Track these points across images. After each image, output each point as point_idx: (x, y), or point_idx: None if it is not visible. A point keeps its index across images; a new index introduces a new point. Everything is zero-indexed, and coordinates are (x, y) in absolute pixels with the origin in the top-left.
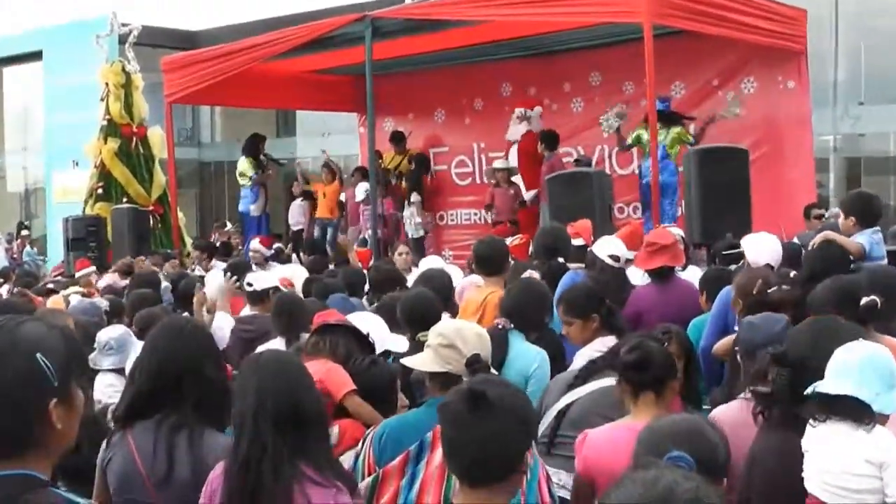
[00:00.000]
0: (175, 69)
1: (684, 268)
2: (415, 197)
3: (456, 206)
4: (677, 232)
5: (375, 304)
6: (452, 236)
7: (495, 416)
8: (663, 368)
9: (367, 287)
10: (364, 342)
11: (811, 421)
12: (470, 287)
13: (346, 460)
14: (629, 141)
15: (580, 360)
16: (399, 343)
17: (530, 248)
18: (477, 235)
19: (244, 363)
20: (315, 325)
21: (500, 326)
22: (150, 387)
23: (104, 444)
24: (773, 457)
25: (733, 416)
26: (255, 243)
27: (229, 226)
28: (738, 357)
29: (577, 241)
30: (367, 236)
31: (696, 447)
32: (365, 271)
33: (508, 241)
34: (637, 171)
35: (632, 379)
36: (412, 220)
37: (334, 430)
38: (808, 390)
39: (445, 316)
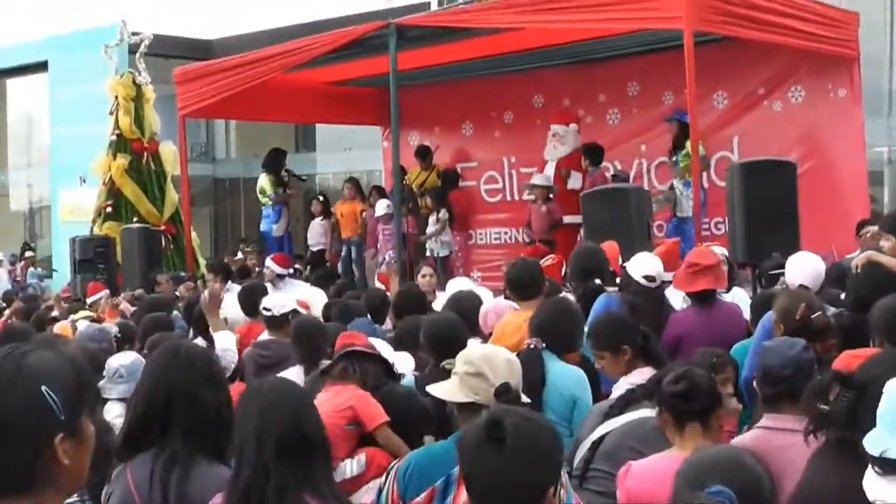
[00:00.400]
0: (188, 81)
1: (728, 289)
2: (443, 214)
3: (485, 224)
4: (720, 251)
5: (396, 327)
6: (482, 256)
7: (512, 448)
8: (710, 398)
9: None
10: (390, 371)
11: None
12: (505, 309)
13: (369, 492)
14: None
15: (617, 391)
16: (404, 362)
17: (564, 270)
18: (507, 255)
19: (245, 389)
20: (339, 347)
21: (531, 346)
22: (144, 415)
23: (109, 479)
24: (830, 490)
25: (748, 445)
26: (269, 261)
27: (243, 247)
28: (755, 383)
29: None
30: (385, 257)
31: (738, 480)
32: (387, 294)
33: (547, 261)
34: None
35: (678, 409)
36: (438, 238)
37: (361, 458)
38: (866, 444)
39: (475, 342)
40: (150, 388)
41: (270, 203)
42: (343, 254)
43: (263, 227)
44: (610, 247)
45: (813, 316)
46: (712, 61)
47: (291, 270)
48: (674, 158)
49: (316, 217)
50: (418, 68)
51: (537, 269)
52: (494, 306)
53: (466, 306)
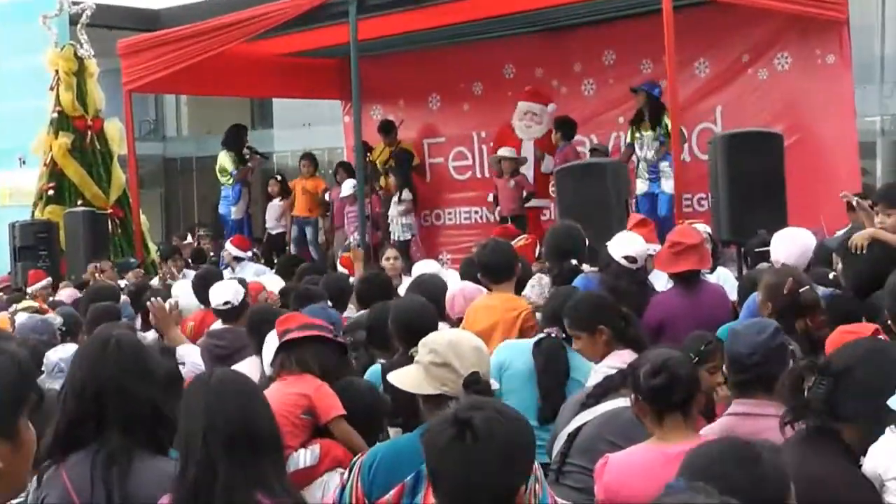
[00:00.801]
0: (134, 53)
1: (713, 269)
2: (406, 195)
3: (454, 203)
4: (703, 230)
5: (364, 315)
6: (451, 237)
7: (482, 446)
8: (690, 386)
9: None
10: (340, 349)
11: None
12: (473, 293)
13: (323, 486)
14: (627, 139)
15: (595, 376)
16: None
17: (538, 250)
18: (479, 236)
19: (191, 382)
20: (279, 335)
21: (552, 336)
22: (75, 411)
23: (32, 484)
24: (812, 478)
25: (717, 434)
26: (228, 243)
27: (197, 230)
28: (725, 368)
29: (650, 248)
30: (351, 240)
31: (750, 475)
32: (351, 279)
33: (520, 241)
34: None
35: (658, 402)
36: (399, 220)
37: (315, 449)
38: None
39: (443, 327)
40: (79, 382)
41: (230, 183)
42: (295, 234)
43: (221, 209)
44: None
45: (801, 290)
46: (693, 27)
47: (251, 254)
48: (637, 135)
49: (274, 198)
50: (381, 38)
51: (510, 250)
52: (461, 290)
53: (430, 290)
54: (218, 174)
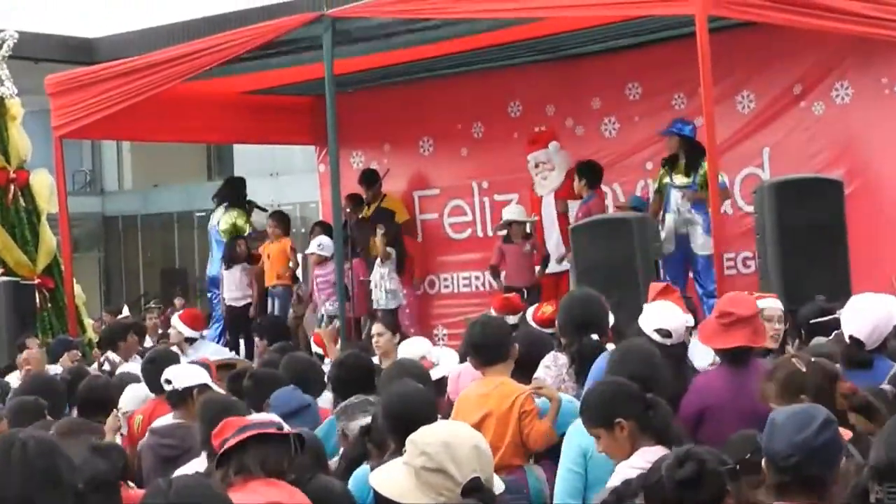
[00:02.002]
0: (65, 92)
1: (781, 351)
2: (394, 255)
3: (451, 267)
4: (774, 306)
5: (344, 405)
6: (447, 308)
7: None
8: (722, 484)
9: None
10: (294, 445)
11: None
12: (465, 376)
13: None
14: (656, 185)
15: (614, 478)
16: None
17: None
18: (481, 307)
19: (148, 490)
20: (217, 449)
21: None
22: None
23: None
24: None
25: None
26: (175, 319)
27: (145, 302)
28: (764, 466)
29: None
30: (322, 312)
31: None
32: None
33: (548, 308)
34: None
35: (683, 500)
36: (383, 285)
37: None
38: None
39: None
40: None
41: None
42: (269, 307)
43: (211, 270)
44: (671, 292)
45: (850, 393)
46: (735, 53)
47: (206, 332)
48: (667, 181)
49: (235, 263)
50: (362, 71)
51: (504, 328)
52: (463, 374)
53: (413, 376)
54: (221, 234)
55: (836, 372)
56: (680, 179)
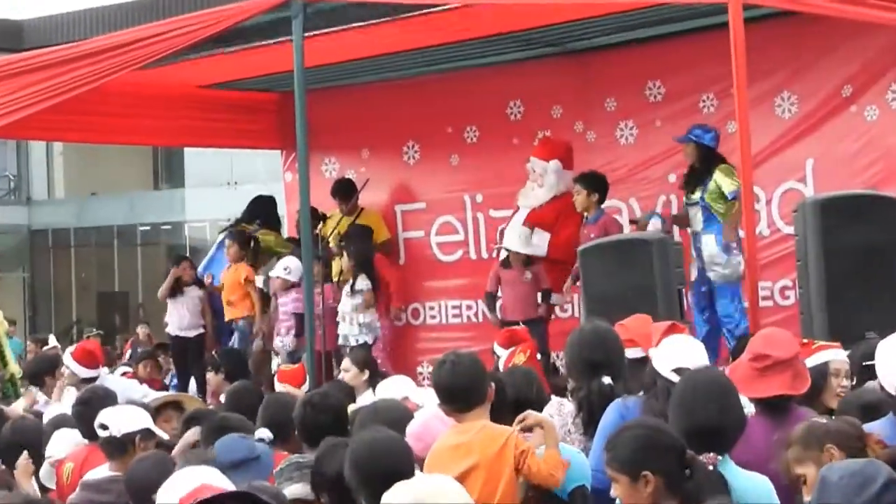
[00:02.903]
0: None
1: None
2: (361, 283)
3: (438, 294)
4: (837, 358)
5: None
6: (434, 343)
7: None
8: None
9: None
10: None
11: None
12: (436, 422)
13: None
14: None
15: None
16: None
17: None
18: (473, 340)
19: None
20: None
21: (710, 466)
22: None
23: None
24: None
25: None
26: (68, 358)
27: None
28: None
29: (632, 352)
30: (282, 345)
31: None
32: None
33: (520, 357)
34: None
35: None
36: (352, 317)
37: None
38: None
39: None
40: None
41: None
42: (232, 343)
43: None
44: (639, 325)
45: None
46: (774, 48)
47: (105, 370)
48: (695, 196)
49: (183, 287)
50: (337, 63)
51: (478, 367)
52: (430, 422)
53: (388, 423)
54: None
55: (857, 424)
56: (696, 195)
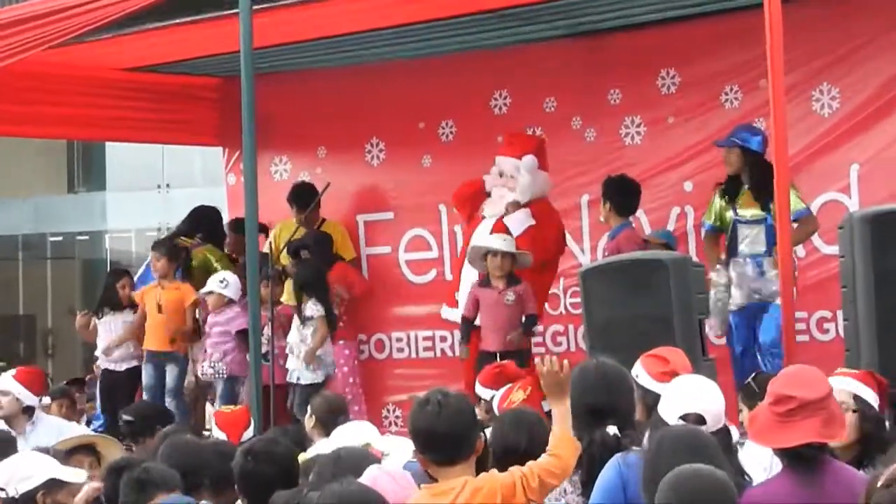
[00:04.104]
0: None
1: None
2: (312, 308)
3: (408, 322)
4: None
5: None
6: (400, 381)
7: None
8: None
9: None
10: None
11: None
12: (386, 482)
13: None
14: (710, 219)
15: None
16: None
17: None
18: (448, 377)
19: None
20: None
21: None
22: None
23: None
24: None
25: None
26: (8, 379)
27: None
28: None
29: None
30: (215, 369)
31: None
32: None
33: (518, 394)
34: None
35: None
36: (300, 351)
37: None
38: None
39: None
40: None
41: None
42: (148, 378)
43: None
44: (678, 357)
45: None
46: (811, 33)
47: (47, 399)
48: (730, 213)
49: (121, 306)
50: (291, 44)
51: (467, 413)
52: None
53: (353, 472)
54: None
55: None
56: (750, 211)
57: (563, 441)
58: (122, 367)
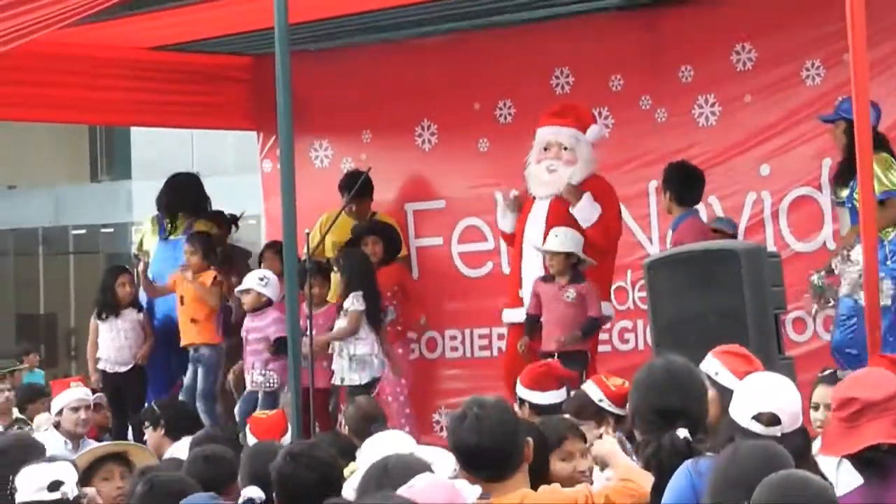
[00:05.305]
0: None
1: None
2: (356, 303)
3: (461, 319)
4: None
5: None
6: (453, 383)
7: None
8: None
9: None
10: None
11: None
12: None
13: None
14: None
15: None
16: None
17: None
18: (504, 379)
19: None
20: None
21: None
22: None
23: None
24: None
25: None
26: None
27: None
28: None
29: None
30: (258, 381)
31: None
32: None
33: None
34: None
35: None
36: (341, 349)
37: None
38: None
39: None
40: None
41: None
42: (188, 379)
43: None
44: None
45: None
46: None
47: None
48: (843, 198)
49: (120, 307)
50: (331, 19)
51: (508, 423)
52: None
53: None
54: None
55: None
56: (845, 191)
57: (631, 471)
58: (125, 368)
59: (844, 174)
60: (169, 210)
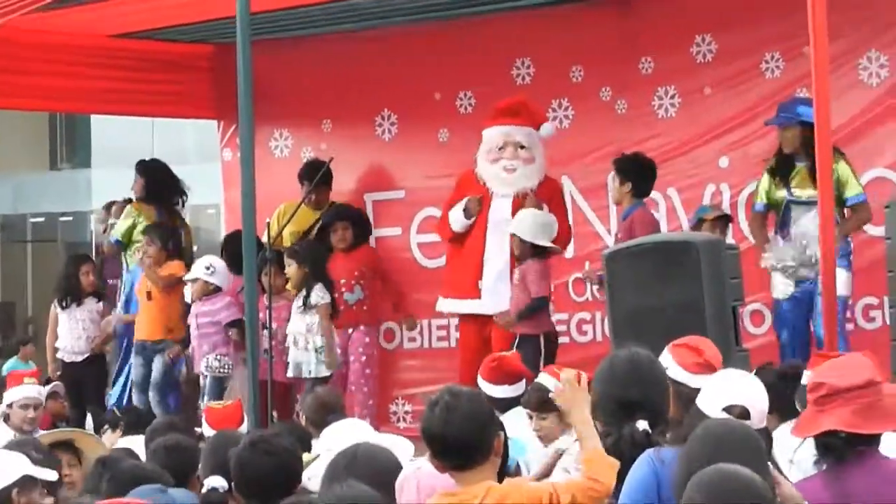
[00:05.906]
0: None
1: None
2: (318, 294)
3: (418, 309)
4: None
5: None
6: (411, 373)
7: None
8: None
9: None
10: None
11: None
12: (425, 485)
13: None
14: (759, 201)
15: None
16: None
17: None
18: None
19: None
20: None
21: None
22: None
23: None
24: None
25: None
26: None
27: None
28: None
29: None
30: (204, 369)
31: None
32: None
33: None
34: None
35: None
36: (307, 341)
37: None
38: None
39: None
40: None
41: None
42: (137, 373)
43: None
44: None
45: None
46: None
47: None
48: (783, 194)
49: (82, 296)
50: (292, 8)
51: (479, 413)
52: (418, 477)
53: (374, 473)
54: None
55: None
56: (807, 192)
57: (596, 463)
58: (80, 358)
59: (781, 171)
60: (150, 197)
